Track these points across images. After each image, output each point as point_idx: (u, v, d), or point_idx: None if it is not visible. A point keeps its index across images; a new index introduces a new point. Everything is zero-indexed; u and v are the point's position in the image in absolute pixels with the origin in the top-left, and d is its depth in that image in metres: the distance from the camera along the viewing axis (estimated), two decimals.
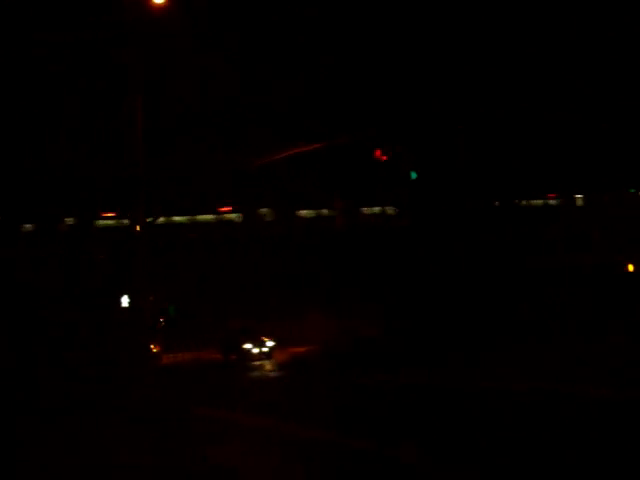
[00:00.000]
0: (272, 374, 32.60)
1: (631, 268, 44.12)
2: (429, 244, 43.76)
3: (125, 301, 38.53)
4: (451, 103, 43.61)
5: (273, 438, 14.82)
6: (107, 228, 45.33)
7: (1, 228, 42.99)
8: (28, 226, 44.58)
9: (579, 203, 50.70)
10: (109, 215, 46.15)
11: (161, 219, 45.62)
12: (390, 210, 48.14)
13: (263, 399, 21.99)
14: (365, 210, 49.43)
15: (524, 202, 48.42)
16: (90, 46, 38.68)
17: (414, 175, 32.78)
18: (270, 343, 39.60)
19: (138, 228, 26.83)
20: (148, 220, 27.31)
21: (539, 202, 50.08)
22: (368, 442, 13.31)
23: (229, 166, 41.32)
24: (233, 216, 50.96)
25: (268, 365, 35.91)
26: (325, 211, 49.13)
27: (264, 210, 50.44)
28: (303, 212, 50.73)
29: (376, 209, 49.57)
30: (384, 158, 31.15)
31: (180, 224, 48.97)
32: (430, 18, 44.06)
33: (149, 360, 28.03)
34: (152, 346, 31.50)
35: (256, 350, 38.99)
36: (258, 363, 37.01)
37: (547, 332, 31.82)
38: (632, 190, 50.38)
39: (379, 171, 37.03)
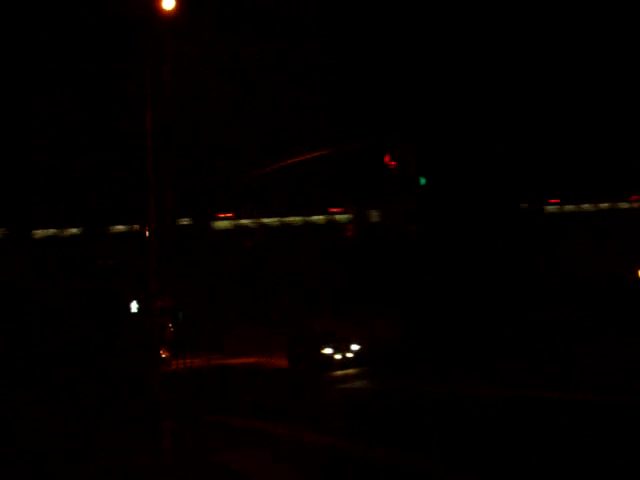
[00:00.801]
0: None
1: None
2: (437, 249, 43.73)
3: (134, 306, 38.71)
4: (457, 107, 43.66)
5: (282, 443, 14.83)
6: (118, 233, 45.46)
7: (12, 234, 43.18)
8: (38, 232, 44.80)
9: (587, 209, 50.64)
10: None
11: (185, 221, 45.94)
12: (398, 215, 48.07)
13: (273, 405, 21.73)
14: (377, 215, 49.17)
15: (532, 207, 48.40)
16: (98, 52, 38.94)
17: (423, 181, 32.71)
18: (355, 346, 31.93)
19: (147, 234, 26.89)
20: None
21: (552, 208, 50.07)
22: (381, 450, 13.17)
23: (238, 172, 41.40)
24: (247, 222, 50.98)
25: (354, 376, 28.19)
26: (338, 217, 49.12)
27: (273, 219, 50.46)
28: (315, 218, 50.71)
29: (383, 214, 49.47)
30: (393, 164, 31.14)
31: (191, 229, 49.02)
32: (435, 24, 44.17)
33: (157, 365, 28.03)
34: (161, 351, 31.49)
35: (339, 356, 31.43)
36: (341, 373, 29.70)
37: (554, 338, 31.69)
38: None
39: (389, 176, 37.02)
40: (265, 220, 49.39)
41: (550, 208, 50.08)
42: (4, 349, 33.14)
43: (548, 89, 45.02)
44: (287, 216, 49.49)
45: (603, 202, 50.04)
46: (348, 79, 44.76)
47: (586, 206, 50.26)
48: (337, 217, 49.85)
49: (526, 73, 44.49)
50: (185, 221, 47.16)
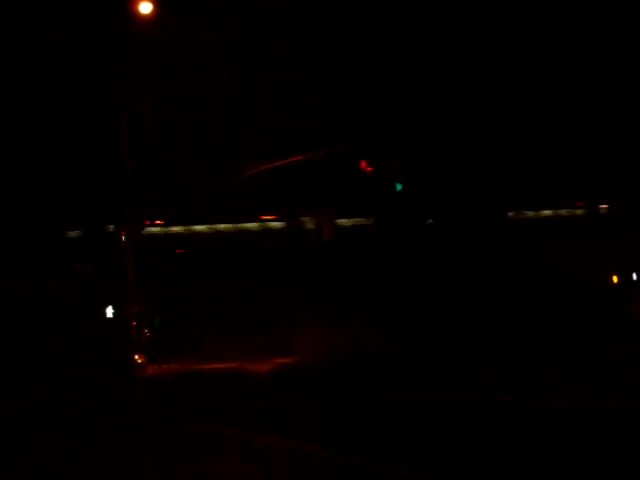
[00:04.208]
0: None
1: (615, 279, 44.31)
2: (412, 255, 43.95)
3: (110, 312, 38.48)
4: (436, 112, 43.98)
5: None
6: (93, 237, 45.16)
7: None
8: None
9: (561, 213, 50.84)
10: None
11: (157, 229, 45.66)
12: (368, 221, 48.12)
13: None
14: (346, 222, 49.06)
15: (510, 214, 48.75)
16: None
17: (399, 187, 32.79)
18: None
19: (124, 238, 26.83)
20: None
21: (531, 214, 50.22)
22: (360, 457, 13.10)
23: (216, 177, 41.37)
24: (221, 227, 50.83)
25: None
26: (307, 223, 48.98)
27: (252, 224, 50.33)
28: (277, 224, 50.52)
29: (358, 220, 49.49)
30: (369, 170, 31.21)
31: (166, 235, 48.85)
32: (417, 32, 44.47)
33: (133, 370, 27.93)
34: (137, 357, 31.33)
35: None
36: None
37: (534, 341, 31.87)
38: None
39: (365, 182, 37.13)
40: (196, 227, 49.35)
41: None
42: None
43: (535, 92, 45.45)
44: (218, 223, 49.32)
45: (544, 209, 50.03)
46: (339, 81, 44.89)
47: (530, 213, 50.22)
48: (270, 224, 49.76)
49: (489, 86, 44.97)
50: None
